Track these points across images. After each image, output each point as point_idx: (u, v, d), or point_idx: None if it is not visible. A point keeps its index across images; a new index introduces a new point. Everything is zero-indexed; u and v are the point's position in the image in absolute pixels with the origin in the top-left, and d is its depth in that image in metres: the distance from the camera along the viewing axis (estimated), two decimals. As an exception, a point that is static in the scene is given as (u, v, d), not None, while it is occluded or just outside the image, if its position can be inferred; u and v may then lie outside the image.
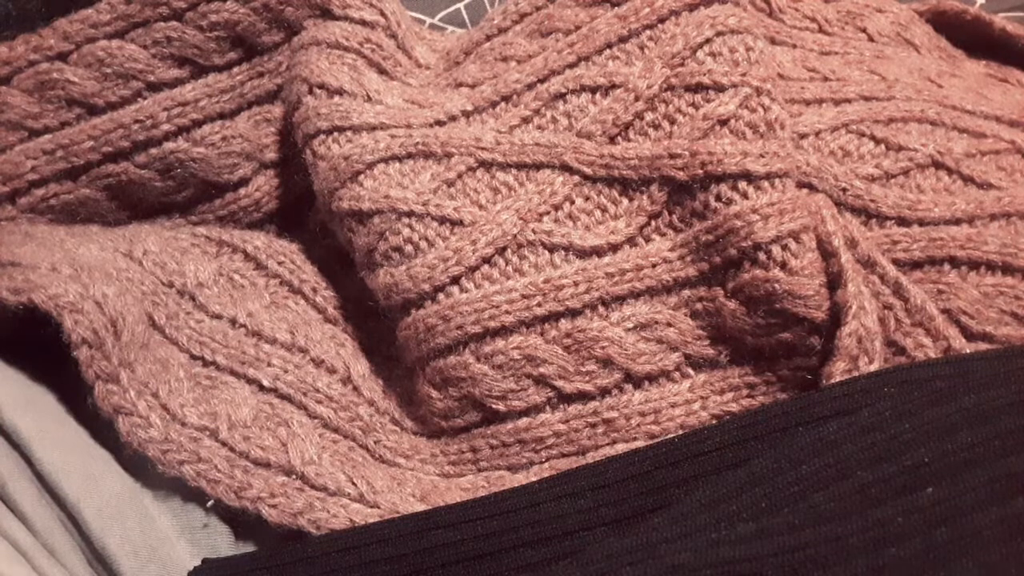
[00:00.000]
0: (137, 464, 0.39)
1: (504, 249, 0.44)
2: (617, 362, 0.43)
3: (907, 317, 0.41)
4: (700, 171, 0.42)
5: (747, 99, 0.43)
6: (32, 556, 0.36)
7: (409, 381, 0.46)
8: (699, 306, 0.43)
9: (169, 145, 0.49)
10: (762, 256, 0.41)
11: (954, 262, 0.44)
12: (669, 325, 0.43)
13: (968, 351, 0.41)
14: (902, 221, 0.44)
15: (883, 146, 0.45)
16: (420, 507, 0.40)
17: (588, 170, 0.44)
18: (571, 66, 0.47)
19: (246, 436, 0.40)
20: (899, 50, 0.52)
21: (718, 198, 0.42)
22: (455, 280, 0.44)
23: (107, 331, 0.40)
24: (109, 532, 0.37)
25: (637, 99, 0.44)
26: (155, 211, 0.52)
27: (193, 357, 0.44)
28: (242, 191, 0.51)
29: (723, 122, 0.42)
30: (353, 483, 0.40)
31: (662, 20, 0.46)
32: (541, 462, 0.43)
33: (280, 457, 0.40)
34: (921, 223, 0.44)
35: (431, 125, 0.47)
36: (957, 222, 0.44)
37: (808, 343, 0.41)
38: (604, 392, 0.43)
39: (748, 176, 0.41)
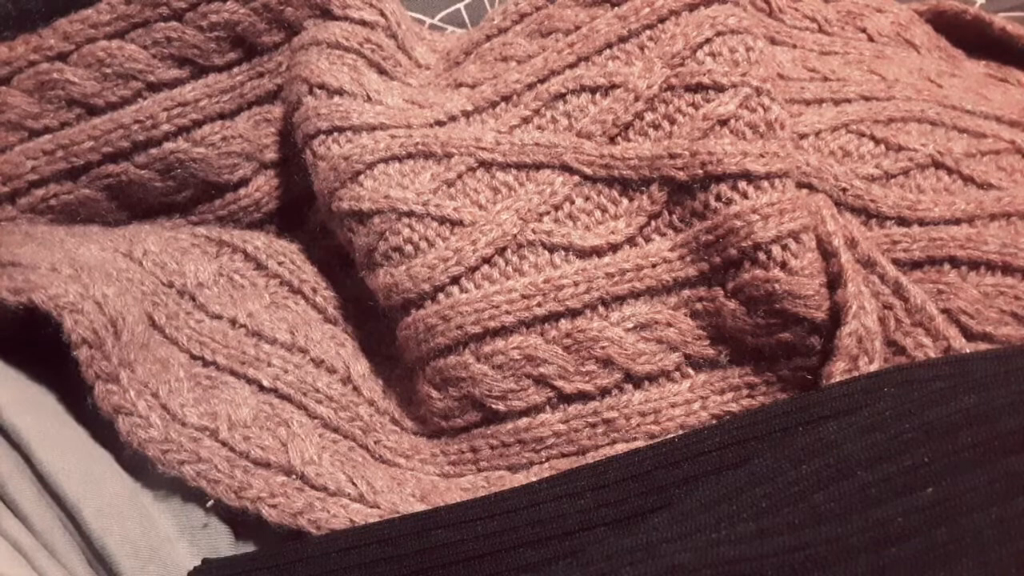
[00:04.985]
0: (137, 464, 0.39)
1: (504, 249, 0.44)
2: (617, 362, 0.43)
3: (907, 317, 0.41)
4: (700, 171, 0.42)
5: (747, 99, 0.43)
6: (32, 556, 0.36)
7: (409, 381, 0.46)
8: (699, 306, 0.43)
9: (169, 145, 0.49)
10: (762, 256, 0.41)
11: (954, 262, 0.44)
12: (669, 325, 0.43)
13: (968, 351, 0.41)
14: (902, 221, 0.44)
15: (883, 146, 0.45)
16: (420, 507, 0.40)
17: (588, 170, 0.44)
18: (571, 66, 0.47)
19: (246, 436, 0.40)
20: (899, 50, 0.52)
21: (718, 198, 0.42)
22: (455, 280, 0.44)
23: (107, 331, 0.40)
24: (109, 532, 0.37)
25: (637, 99, 0.44)
26: (155, 211, 0.52)
27: (193, 357, 0.44)
28: (242, 191, 0.51)
29: (723, 122, 0.42)
30: (353, 483, 0.40)
31: (662, 20, 0.46)
32: (541, 462, 0.43)
33: (280, 457, 0.40)
34: (921, 223, 0.44)
35: (431, 125, 0.47)
36: (957, 222, 0.44)
37: (808, 343, 0.41)
38: (604, 392, 0.43)
39: (748, 176, 0.41)
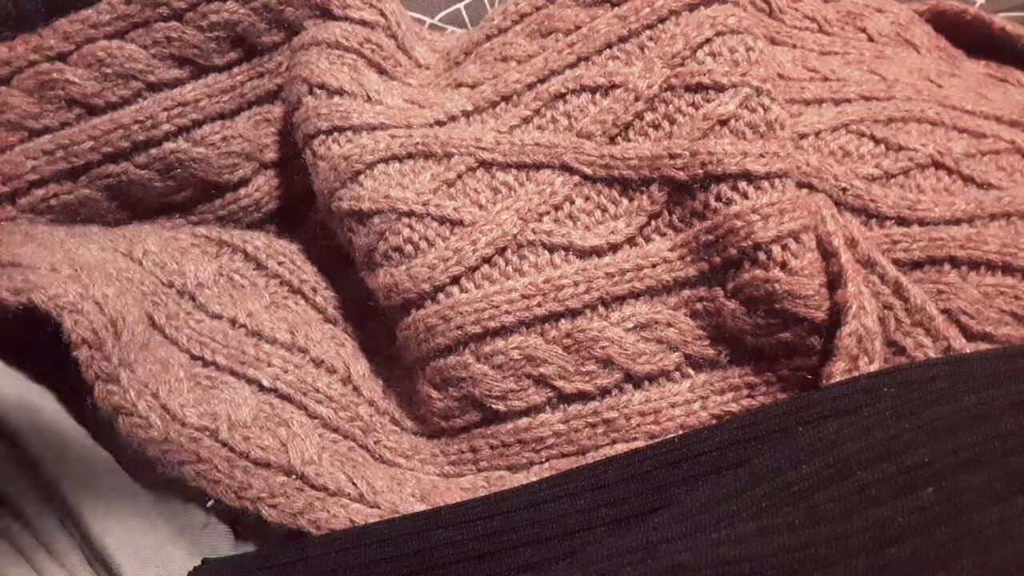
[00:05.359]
0: (137, 464, 0.39)
1: (504, 249, 0.44)
2: (617, 362, 0.43)
3: (907, 317, 0.41)
4: (700, 171, 0.42)
5: (747, 99, 0.43)
6: (32, 556, 0.36)
7: (409, 381, 0.46)
8: (699, 306, 0.43)
9: (169, 145, 0.49)
10: (762, 256, 0.41)
11: (954, 262, 0.44)
12: (669, 325, 0.43)
13: (968, 351, 0.41)
14: (902, 221, 0.44)
15: (883, 146, 0.45)
16: (420, 507, 0.40)
17: (588, 170, 0.44)
18: (571, 66, 0.47)
19: (246, 436, 0.40)
20: (899, 50, 0.52)
21: (718, 198, 0.42)
22: (455, 280, 0.44)
23: (107, 331, 0.40)
24: (109, 532, 0.37)
25: (637, 99, 0.44)
26: (155, 211, 0.52)
27: (193, 357, 0.44)
28: (242, 191, 0.51)
29: (723, 122, 0.42)
30: (353, 483, 0.40)
31: (662, 20, 0.46)
32: (541, 462, 0.43)
33: (280, 457, 0.40)
34: (921, 223, 0.44)
35: (431, 125, 0.47)
36: (957, 222, 0.44)
37: (808, 343, 0.41)
38: (604, 392, 0.43)
39: (748, 176, 0.41)
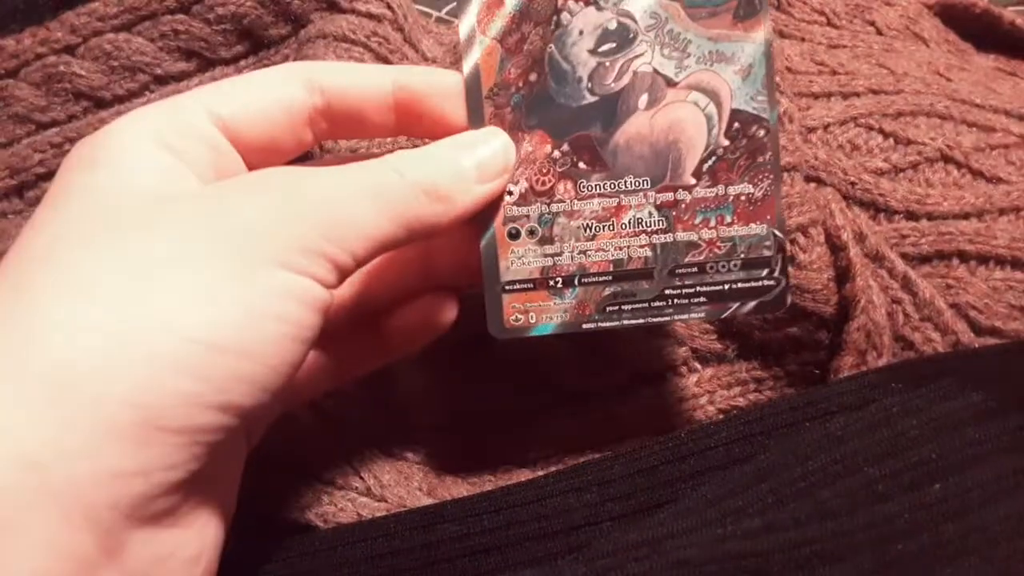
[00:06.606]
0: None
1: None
2: (624, 357, 0.42)
3: (916, 312, 0.41)
4: (708, 165, 0.42)
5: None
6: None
7: (416, 374, 0.46)
8: (706, 300, 0.43)
9: (176, 138, 0.49)
10: (770, 250, 0.41)
11: (963, 256, 0.43)
12: (676, 319, 0.43)
13: (976, 346, 0.41)
14: (911, 215, 0.44)
15: (892, 140, 0.45)
16: (427, 501, 0.40)
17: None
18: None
19: (253, 430, 0.40)
20: (908, 43, 0.52)
21: (726, 192, 0.41)
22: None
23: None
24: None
25: (644, 93, 0.44)
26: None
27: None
28: (249, 184, 0.51)
29: (731, 116, 0.42)
30: (360, 477, 0.40)
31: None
32: (548, 456, 0.43)
33: (287, 451, 0.40)
34: (930, 217, 0.44)
35: (438, 119, 0.47)
36: (966, 216, 0.44)
37: (816, 338, 0.41)
38: (611, 387, 0.43)
39: (756, 170, 0.41)
